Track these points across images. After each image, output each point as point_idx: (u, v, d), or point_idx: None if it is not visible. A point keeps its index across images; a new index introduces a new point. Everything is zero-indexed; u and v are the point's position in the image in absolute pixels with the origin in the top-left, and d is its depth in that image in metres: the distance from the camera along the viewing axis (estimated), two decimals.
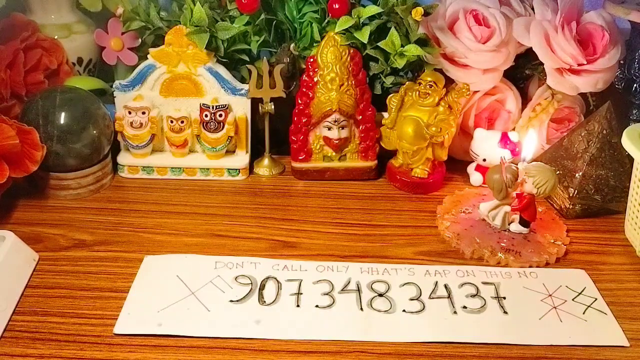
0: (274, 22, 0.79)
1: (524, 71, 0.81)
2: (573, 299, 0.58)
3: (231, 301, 0.56)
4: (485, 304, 0.57)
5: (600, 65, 0.76)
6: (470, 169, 0.78)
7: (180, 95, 0.77)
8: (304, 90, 0.75)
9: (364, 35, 0.73)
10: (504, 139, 0.74)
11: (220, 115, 0.76)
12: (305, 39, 0.79)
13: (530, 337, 0.53)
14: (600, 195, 0.70)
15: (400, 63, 0.74)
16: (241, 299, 0.57)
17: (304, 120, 0.76)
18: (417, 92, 0.74)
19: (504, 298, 0.58)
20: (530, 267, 0.63)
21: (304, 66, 0.77)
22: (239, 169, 0.78)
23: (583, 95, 0.80)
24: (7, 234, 0.59)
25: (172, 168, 0.78)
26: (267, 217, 0.70)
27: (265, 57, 0.77)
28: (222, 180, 0.78)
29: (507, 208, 0.66)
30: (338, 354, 0.51)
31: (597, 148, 0.70)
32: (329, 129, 0.76)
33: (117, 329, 0.52)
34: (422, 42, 0.74)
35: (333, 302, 0.57)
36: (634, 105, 0.82)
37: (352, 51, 0.74)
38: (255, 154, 0.81)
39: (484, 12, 0.77)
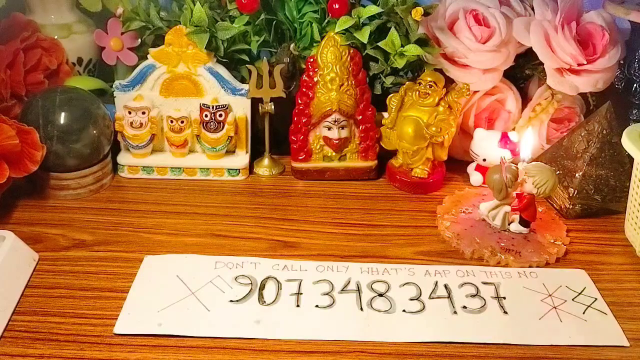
0: (274, 22, 0.79)
1: (524, 71, 0.81)
2: (573, 299, 0.58)
3: (231, 301, 0.56)
4: (485, 304, 0.57)
5: (600, 65, 0.76)
6: (470, 169, 0.78)
7: (180, 95, 0.77)
8: (304, 90, 0.75)
9: (364, 35, 0.73)
10: (504, 139, 0.74)
11: (220, 115, 0.76)
12: (305, 39, 0.79)
13: (530, 337, 0.53)
14: (600, 195, 0.70)
15: (400, 63, 0.74)
16: (241, 299, 0.57)
17: (304, 120, 0.76)
18: (417, 92, 0.74)
19: (504, 298, 0.58)
20: (530, 267, 0.63)
21: (304, 66, 0.77)
22: (239, 169, 0.78)
23: (583, 95, 0.80)
24: (7, 234, 0.59)
25: (172, 168, 0.78)
26: (267, 217, 0.70)
27: (265, 57, 0.77)
28: (222, 180, 0.78)
29: (507, 208, 0.66)
30: (338, 354, 0.51)
31: (597, 148, 0.70)
32: (329, 129, 0.76)
33: (117, 329, 0.52)
34: (422, 42, 0.74)
35: (333, 302, 0.57)
36: (634, 105, 0.82)
37: (352, 51, 0.74)
38: (255, 154, 0.81)
39: (484, 12, 0.77)
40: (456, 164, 0.80)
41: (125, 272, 0.59)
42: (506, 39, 0.76)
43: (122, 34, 0.82)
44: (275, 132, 0.79)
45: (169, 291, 0.57)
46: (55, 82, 0.80)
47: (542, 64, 0.75)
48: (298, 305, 0.56)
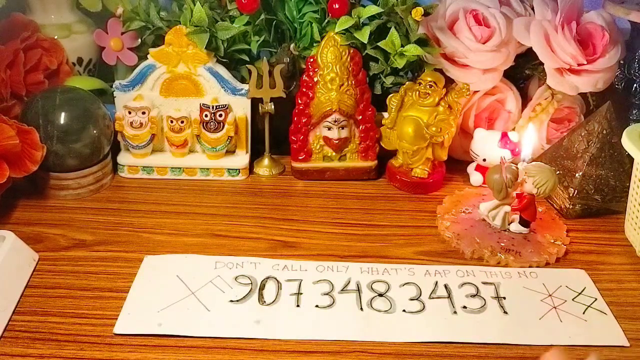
0: (274, 22, 0.79)
1: (524, 71, 0.81)
2: (573, 299, 0.58)
3: (231, 301, 0.56)
4: (485, 304, 0.57)
5: (600, 65, 0.76)
6: (470, 169, 0.78)
7: (180, 95, 0.77)
8: (304, 90, 0.75)
9: (364, 35, 0.73)
10: (504, 139, 0.74)
11: (220, 115, 0.76)
12: (305, 39, 0.79)
13: (530, 337, 0.53)
14: (600, 195, 0.70)
15: (400, 63, 0.74)
16: (241, 299, 0.57)
17: (304, 120, 0.76)
18: (417, 92, 0.74)
19: (504, 298, 0.58)
20: (530, 267, 0.63)
21: (304, 66, 0.77)
22: (239, 169, 0.78)
23: (583, 95, 0.80)
24: (7, 234, 0.59)
25: (172, 168, 0.78)
26: (267, 217, 0.70)
27: (265, 57, 0.77)
28: (222, 180, 0.78)
29: (507, 208, 0.66)
30: (338, 354, 0.51)
31: (597, 148, 0.70)
32: (329, 129, 0.76)
33: (117, 329, 0.52)
34: (422, 42, 0.74)
35: (333, 302, 0.57)
36: (634, 105, 0.82)
37: (352, 51, 0.74)
38: (255, 154, 0.81)
39: (484, 12, 0.77)
40: (456, 164, 0.80)
41: (125, 272, 0.59)
42: (506, 39, 0.76)
43: (122, 34, 0.82)
44: (275, 132, 0.79)
45: (169, 291, 0.57)
46: (55, 82, 0.80)
47: (542, 64, 0.75)
48: (298, 305, 0.56)
